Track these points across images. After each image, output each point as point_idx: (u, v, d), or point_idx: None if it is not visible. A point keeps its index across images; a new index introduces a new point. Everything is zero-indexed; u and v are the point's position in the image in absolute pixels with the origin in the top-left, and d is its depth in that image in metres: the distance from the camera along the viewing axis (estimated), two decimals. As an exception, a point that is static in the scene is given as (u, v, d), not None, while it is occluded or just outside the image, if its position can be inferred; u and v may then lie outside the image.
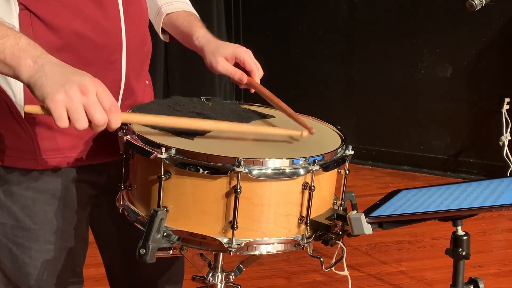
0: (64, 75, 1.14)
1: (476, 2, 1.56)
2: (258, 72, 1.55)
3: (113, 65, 1.41)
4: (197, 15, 1.68)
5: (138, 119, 1.30)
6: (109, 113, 1.15)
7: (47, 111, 1.14)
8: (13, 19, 1.29)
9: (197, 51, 1.60)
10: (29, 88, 1.16)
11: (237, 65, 1.55)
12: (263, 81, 1.57)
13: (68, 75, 1.14)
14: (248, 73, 1.55)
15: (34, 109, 1.16)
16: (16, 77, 1.17)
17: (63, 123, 1.13)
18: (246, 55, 1.54)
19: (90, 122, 1.15)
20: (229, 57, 1.54)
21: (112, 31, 1.39)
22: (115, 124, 1.17)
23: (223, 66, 1.53)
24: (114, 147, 1.41)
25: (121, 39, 1.41)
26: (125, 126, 1.33)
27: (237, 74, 1.54)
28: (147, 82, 1.61)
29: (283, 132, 1.39)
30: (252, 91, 1.59)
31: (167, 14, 1.64)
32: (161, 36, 1.70)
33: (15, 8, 1.29)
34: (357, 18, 4.34)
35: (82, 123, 1.13)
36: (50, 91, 1.12)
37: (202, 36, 1.58)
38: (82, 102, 1.13)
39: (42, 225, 1.45)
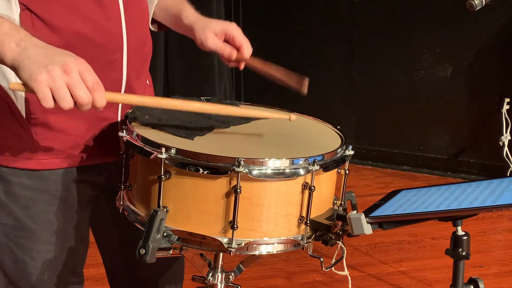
0: (47, 56, 1.15)
1: (476, 2, 1.56)
2: (247, 48, 1.54)
3: (113, 65, 1.41)
4: None
5: (122, 99, 1.30)
6: (93, 92, 1.15)
7: (31, 90, 1.14)
8: (14, 19, 1.29)
9: (187, 32, 1.59)
10: (14, 70, 1.17)
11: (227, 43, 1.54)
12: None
13: (51, 56, 1.15)
14: (237, 49, 1.54)
15: (19, 86, 1.16)
16: (1, 60, 1.17)
17: (47, 103, 1.13)
18: (235, 31, 1.53)
19: (75, 102, 1.15)
20: (219, 33, 1.53)
21: (112, 31, 1.39)
22: (100, 103, 1.17)
23: (213, 41, 1.52)
24: (114, 147, 1.41)
25: (122, 39, 1.41)
26: (125, 126, 1.33)
27: (226, 49, 1.53)
28: (147, 82, 1.61)
29: (271, 115, 1.40)
30: (241, 67, 1.58)
31: (158, 1, 1.65)
32: (150, 26, 1.70)
33: (16, 9, 1.29)
34: (357, 18, 4.34)
35: (66, 102, 1.14)
36: (33, 72, 1.13)
37: (191, 15, 1.58)
38: (65, 81, 1.13)
39: (43, 225, 1.45)
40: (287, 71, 1.47)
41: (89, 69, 1.16)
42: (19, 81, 1.16)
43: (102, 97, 1.17)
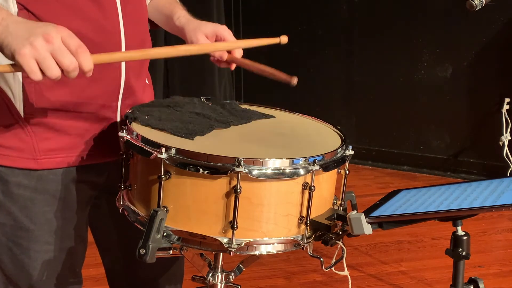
0: (28, 29, 1.14)
1: (476, 2, 1.56)
2: (238, 49, 1.55)
3: (112, 64, 1.41)
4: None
5: (108, 58, 1.29)
6: (77, 55, 1.15)
7: (18, 67, 1.14)
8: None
9: (178, 33, 1.60)
10: None
11: None
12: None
13: (32, 29, 1.14)
14: (228, 51, 1.54)
15: (6, 68, 1.16)
16: None
17: (35, 75, 1.13)
18: (226, 32, 1.54)
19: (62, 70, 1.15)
20: (210, 35, 1.54)
21: (111, 30, 1.39)
22: (86, 66, 1.16)
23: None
24: (114, 147, 1.41)
25: (120, 39, 1.41)
26: (125, 126, 1.33)
27: (217, 51, 1.53)
28: (147, 81, 1.61)
29: (260, 42, 1.42)
30: (233, 68, 1.58)
31: (151, 0, 1.65)
32: None
33: (14, 8, 1.29)
34: (357, 18, 4.34)
35: (53, 71, 1.13)
36: (16, 46, 1.12)
37: (183, 16, 1.59)
38: (48, 50, 1.12)
39: (42, 225, 1.45)
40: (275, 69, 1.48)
41: (71, 34, 1.16)
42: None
43: (88, 60, 1.16)
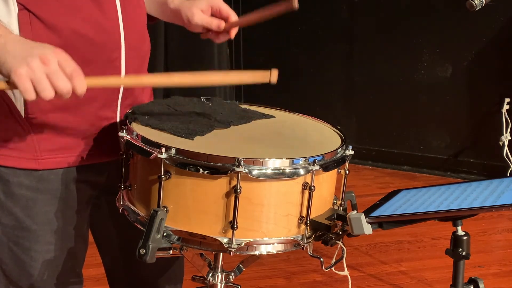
0: (25, 49, 1.16)
1: (476, 2, 1.56)
2: (234, 16, 1.54)
3: (113, 64, 1.41)
4: None
5: (102, 82, 1.31)
6: (72, 79, 1.16)
7: (13, 85, 1.15)
8: (12, 19, 1.29)
9: (174, 17, 1.58)
10: None
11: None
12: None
13: (29, 49, 1.16)
14: (225, 20, 1.53)
15: (1, 85, 1.17)
16: None
17: (29, 95, 1.14)
18: (221, 3, 1.53)
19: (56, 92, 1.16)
20: (205, 9, 1.52)
21: (110, 29, 1.39)
22: (80, 90, 1.17)
23: (199, 17, 1.51)
24: (114, 146, 1.41)
25: (120, 38, 1.41)
26: (125, 126, 1.33)
27: (214, 22, 1.52)
28: (146, 82, 1.61)
29: (251, 78, 1.38)
30: (232, 36, 1.56)
31: None
32: None
33: (14, 8, 1.29)
34: (357, 18, 4.33)
35: (46, 93, 1.14)
36: (13, 66, 1.14)
37: None
38: (44, 72, 1.14)
39: (43, 225, 1.45)
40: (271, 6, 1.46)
41: (67, 58, 1.17)
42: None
43: (82, 84, 1.17)
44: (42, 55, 1.14)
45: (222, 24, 1.52)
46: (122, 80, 1.42)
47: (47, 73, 1.14)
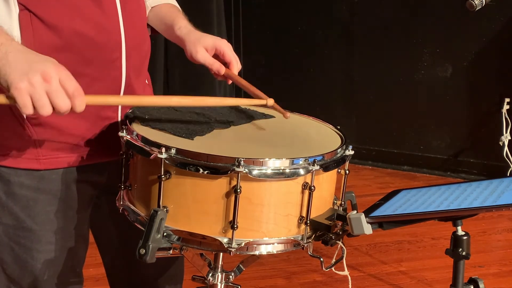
0: (28, 63, 1.15)
1: (476, 2, 1.56)
2: (236, 65, 1.55)
3: (113, 63, 1.42)
4: (179, 8, 1.69)
5: (102, 101, 1.31)
6: (72, 98, 1.17)
7: (12, 99, 1.15)
8: (13, 20, 1.29)
9: (178, 42, 1.60)
10: None
11: (216, 57, 1.55)
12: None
13: (31, 63, 1.15)
14: (226, 66, 1.55)
15: (0, 99, 1.17)
16: None
17: (27, 110, 1.14)
18: (226, 47, 1.54)
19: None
20: (209, 48, 1.53)
21: (111, 29, 1.39)
22: (79, 108, 1.19)
23: (202, 55, 1.53)
24: (115, 146, 1.41)
25: (120, 37, 1.41)
26: (125, 126, 1.33)
27: (215, 64, 1.53)
28: (146, 81, 1.61)
29: (248, 102, 1.43)
30: (229, 82, 1.58)
31: (152, 8, 1.65)
32: None
33: (15, 9, 1.29)
34: (357, 18, 4.34)
35: (45, 110, 1.15)
36: (13, 79, 1.13)
37: (184, 27, 1.58)
38: (45, 89, 1.14)
39: (44, 225, 1.45)
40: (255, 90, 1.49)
41: (69, 76, 1.17)
42: None
43: (82, 103, 1.18)
44: (44, 71, 1.14)
45: (222, 70, 1.53)
46: (121, 99, 1.42)
47: (47, 90, 1.14)
